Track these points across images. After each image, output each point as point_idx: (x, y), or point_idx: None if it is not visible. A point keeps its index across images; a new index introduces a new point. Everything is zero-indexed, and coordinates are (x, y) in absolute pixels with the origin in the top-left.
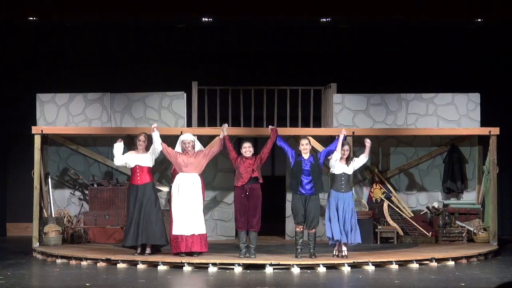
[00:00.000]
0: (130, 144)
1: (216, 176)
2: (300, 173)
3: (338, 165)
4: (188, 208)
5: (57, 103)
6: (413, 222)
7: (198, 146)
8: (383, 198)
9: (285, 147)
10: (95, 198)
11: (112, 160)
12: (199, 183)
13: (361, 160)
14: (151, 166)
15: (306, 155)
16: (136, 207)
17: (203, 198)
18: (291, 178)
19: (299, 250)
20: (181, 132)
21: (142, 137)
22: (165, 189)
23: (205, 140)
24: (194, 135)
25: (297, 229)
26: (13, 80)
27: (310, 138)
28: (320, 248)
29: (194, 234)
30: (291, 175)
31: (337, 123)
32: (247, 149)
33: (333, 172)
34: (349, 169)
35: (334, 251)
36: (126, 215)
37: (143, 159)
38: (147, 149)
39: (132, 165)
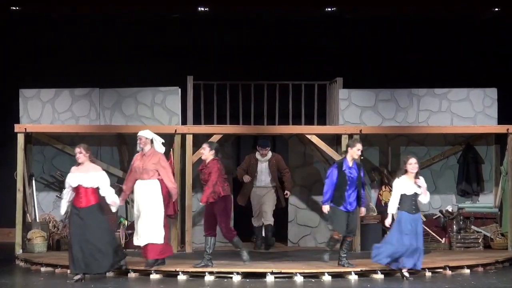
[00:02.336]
0: (121, 144)
1: None
2: (344, 185)
3: (408, 186)
4: (142, 218)
5: (41, 99)
6: (425, 227)
7: (159, 147)
8: None
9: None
10: None
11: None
12: (153, 191)
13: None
14: (96, 187)
15: (351, 162)
16: (79, 232)
17: (163, 206)
18: (334, 190)
19: (344, 258)
20: (175, 131)
21: (77, 150)
22: None
23: (201, 140)
24: (190, 133)
25: (336, 236)
26: None
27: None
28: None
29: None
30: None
31: (343, 120)
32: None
33: (402, 193)
34: (418, 189)
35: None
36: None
37: (87, 179)
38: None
39: (74, 185)
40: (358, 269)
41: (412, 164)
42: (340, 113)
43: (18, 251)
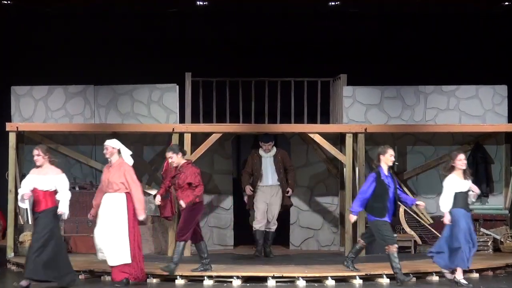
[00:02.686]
0: None
1: (211, 179)
2: (386, 195)
3: (461, 183)
4: (105, 235)
5: (34, 97)
6: (433, 230)
7: (128, 159)
8: (399, 203)
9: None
10: (77, 203)
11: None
12: (118, 206)
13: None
14: (53, 189)
15: (386, 171)
16: (36, 238)
17: (129, 222)
18: (373, 202)
19: (350, 260)
20: (173, 129)
21: (35, 151)
22: (154, 192)
23: (199, 139)
24: (188, 132)
25: (395, 249)
26: None
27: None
28: (329, 257)
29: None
30: (372, 197)
31: (348, 118)
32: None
33: (458, 191)
34: (470, 186)
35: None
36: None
37: (43, 182)
38: (54, 165)
39: (30, 188)
40: (363, 273)
41: (462, 160)
42: (344, 111)
43: (10, 254)
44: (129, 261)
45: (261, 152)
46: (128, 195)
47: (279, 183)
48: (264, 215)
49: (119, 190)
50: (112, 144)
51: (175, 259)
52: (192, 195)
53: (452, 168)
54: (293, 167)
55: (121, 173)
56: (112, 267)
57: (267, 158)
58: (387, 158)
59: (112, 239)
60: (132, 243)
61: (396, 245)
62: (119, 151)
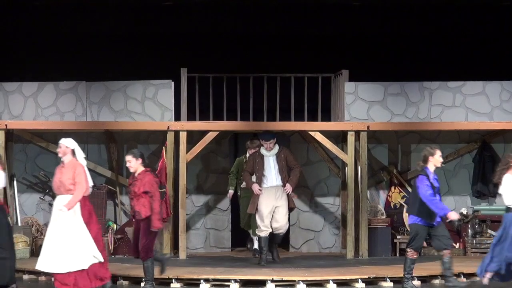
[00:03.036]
0: (110, 141)
1: (208, 179)
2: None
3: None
4: (58, 241)
5: (23, 94)
6: None
7: (82, 159)
8: (403, 203)
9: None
10: None
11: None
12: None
13: None
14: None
15: (433, 172)
16: None
17: (87, 224)
18: (422, 205)
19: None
20: (168, 127)
21: None
22: None
23: (195, 137)
24: (184, 130)
25: (414, 256)
26: None
27: None
28: (330, 260)
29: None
30: (421, 200)
31: (349, 116)
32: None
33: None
34: None
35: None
36: (103, 224)
37: None
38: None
39: None
40: (366, 276)
41: None
42: (346, 108)
43: None
44: (80, 268)
45: (262, 150)
46: (83, 197)
47: (283, 184)
48: (268, 220)
49: (70, 191)
50: (67, 143)
51: (148, 284)
52: (157, 214)
53: (509, 168)
54: (299, 166)
55: (72, 173)
56: (57, 274)
57: (270, 157)
58: (437, 160)
59: (65, 245)
60: (97, 244)
61: (418, 253)
62: (73, 151)
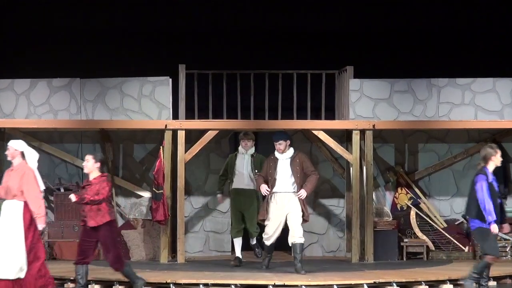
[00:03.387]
0: (105, 141)
1: (208, 179)
2: (495, 200)
3: None
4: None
5: (15, 91)
6: (446, 234)
7: (32, 162)
8: (410, 205)
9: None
10: (62, 206)
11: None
12: (13, 215)
13: None
14: None
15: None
16: None
17: (25, 232)
18: (478, 206)
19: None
20: (166, 126)
21: None
22: (146, 194)
23: (194, 136)
24: (182, 129)
25: (491, 261)
26: None
27: None
28: (334, 264)
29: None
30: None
31: (354, 114)
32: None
33: None
34: None
35: None
36: None
37: None
38: None
39: None
40: (371, 281)
41: None
42: (351, 106)
43: None
44: (12, 277)
45: (276, 154)
46: (26, 203)
47: (295, 191)
48: (276, 229)
49: (16, 197)
50: (15, 145)
51: (138, 282)
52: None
53: None
54: (316, 172)
55: (19, 178)
56: None
57: (283, 160)
58: (497, 159)
59: (3, 251)
60: (28, 255)
61: (496, 258)
62: (23, 154)
